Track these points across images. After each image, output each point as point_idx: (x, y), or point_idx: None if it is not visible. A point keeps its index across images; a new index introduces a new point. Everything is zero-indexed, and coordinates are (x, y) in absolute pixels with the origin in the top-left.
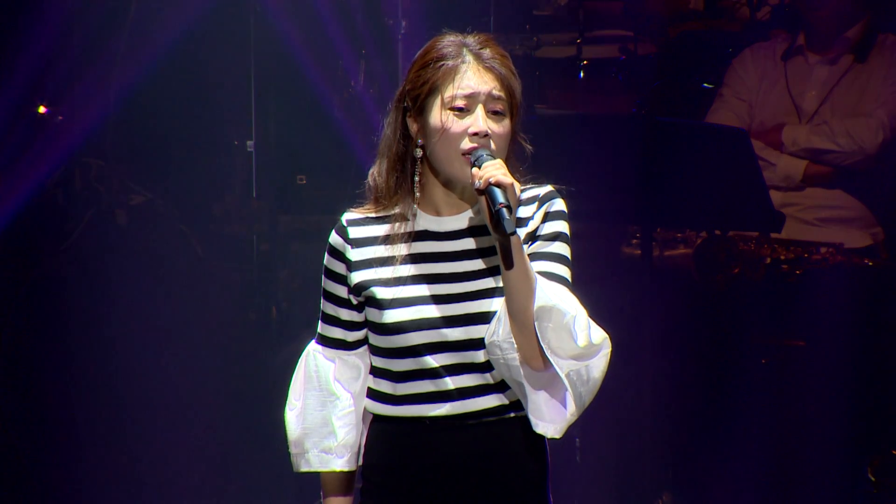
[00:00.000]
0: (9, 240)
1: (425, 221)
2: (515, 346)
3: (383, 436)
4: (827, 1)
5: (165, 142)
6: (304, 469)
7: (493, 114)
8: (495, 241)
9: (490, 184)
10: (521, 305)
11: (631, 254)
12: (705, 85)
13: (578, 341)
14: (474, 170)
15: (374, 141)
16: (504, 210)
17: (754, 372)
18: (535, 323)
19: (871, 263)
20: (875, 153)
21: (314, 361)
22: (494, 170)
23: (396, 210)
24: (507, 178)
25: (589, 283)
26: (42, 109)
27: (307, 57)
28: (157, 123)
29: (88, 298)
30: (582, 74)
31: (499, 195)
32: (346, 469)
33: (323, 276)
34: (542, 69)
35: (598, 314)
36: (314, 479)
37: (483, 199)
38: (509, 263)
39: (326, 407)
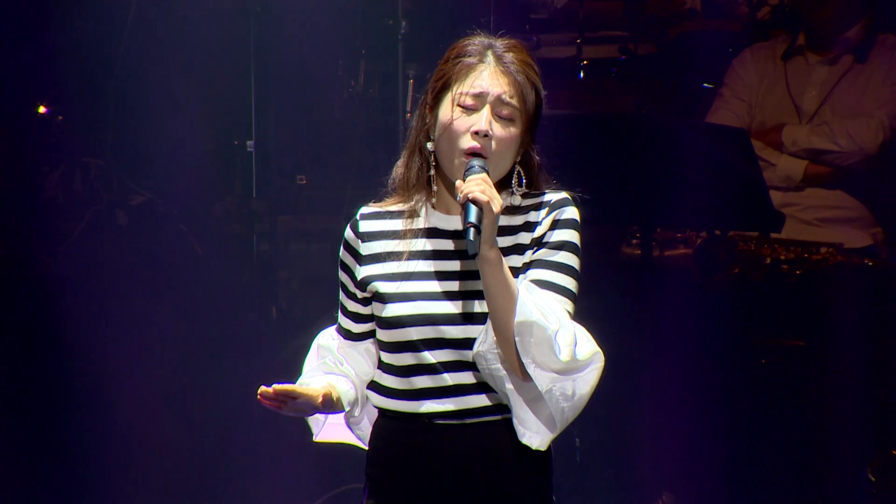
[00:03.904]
0: (9, 240)
1: (435, 219)
2: (500, 357)
3: (387, 434)
4: (827, 1)
5: (165, 142)
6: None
7: (501, 118)
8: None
9: (467, 199)
10: (502, 320)
11: (631, 254)
12: (705, 85)
13: (561, 356)
14: (458, 182)
15: (378, 139)
16: (470, 230)
17: (754, 372)
18: (516, 338)
19: (871, 263)
20: (875, 153)
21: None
22: (474, 185)
23: (411, 204)
24: (483, 196)
25: (589, 283)
26: (42, 109)
27: (307, 57)
28: (157, 124)
29: (88, 298)
30: (582, 74)
31: (471, 213)
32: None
33: (338, 268)
34: (542, 69)
35: (598, 315)
36: (314, 480)
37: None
38: (485, 279)
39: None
